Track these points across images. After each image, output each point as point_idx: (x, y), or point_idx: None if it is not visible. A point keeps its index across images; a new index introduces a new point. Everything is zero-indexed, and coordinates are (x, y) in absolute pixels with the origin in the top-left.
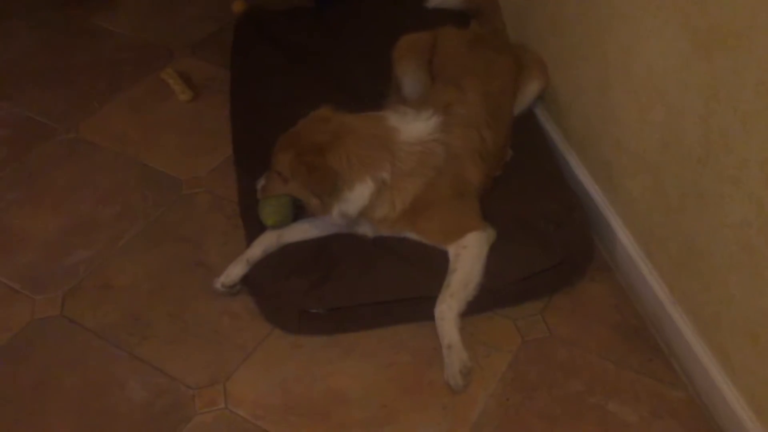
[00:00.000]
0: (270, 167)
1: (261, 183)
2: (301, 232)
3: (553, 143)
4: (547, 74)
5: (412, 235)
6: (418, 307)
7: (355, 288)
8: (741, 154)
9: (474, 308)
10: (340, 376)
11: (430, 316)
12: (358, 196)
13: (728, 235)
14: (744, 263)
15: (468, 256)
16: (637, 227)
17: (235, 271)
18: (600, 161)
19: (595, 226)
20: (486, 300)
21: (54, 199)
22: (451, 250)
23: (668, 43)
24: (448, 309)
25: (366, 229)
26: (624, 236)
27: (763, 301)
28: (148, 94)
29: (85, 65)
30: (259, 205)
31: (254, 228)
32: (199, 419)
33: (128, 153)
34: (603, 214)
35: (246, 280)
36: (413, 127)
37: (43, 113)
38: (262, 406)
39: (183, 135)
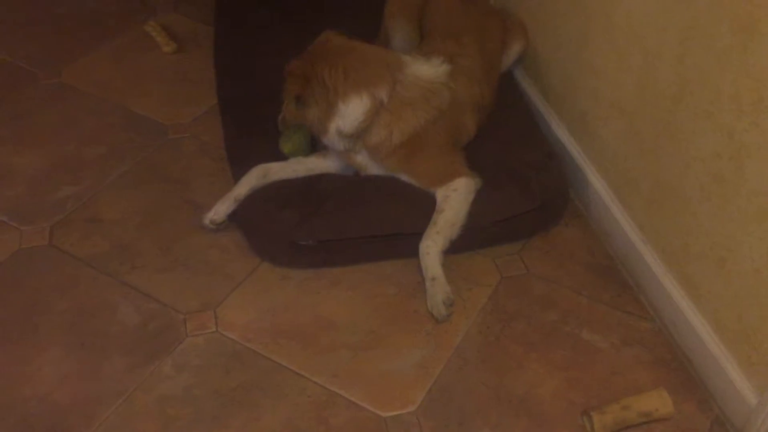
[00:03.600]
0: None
1: (280, 116)
2: (289, 170)
3: (531, 101)
4: (527, 36)
5: (403, 176)
6: (404, 243)
7: (344, 221)
8: (714, 89)
9: (456, 247)
10: (327, 305)
11: (414, 253)
12: (352, 111)
13: (699, 168)
14: (714, 193)
15: (456, 199)
16: (610, 173)
17: (223, 208)
18: (576, 113)
19: (569, 177)
20: (467, 239)
21: (39, 139)
22: (440, 192)
23: None
24: (433, 244)
25: (360, 161)
26: (597, 183)
27: (731, 226)
28: (132, 45)
29: (67, 17)
30: (282, 138)
31: (241, 170)
32: (191, 341)
33: (112, 99)
34: (577, 164)
35: (235, 214)
36: (424, 67)
37: (24, 60)
38: (253, 330)
39: (167, 84)
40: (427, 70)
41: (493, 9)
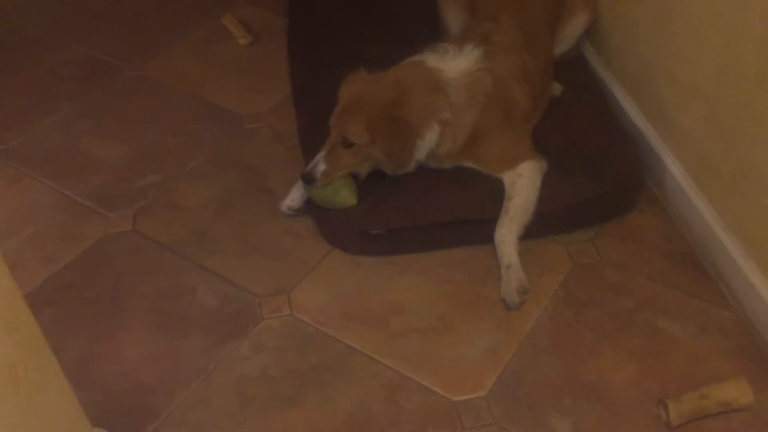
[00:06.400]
0: (329, 147)
1: (321, 168)
2: None
3: (603, 83)
4: (593, 8)
5: (470, 164)
6: (474, 229)
7: (414, 210)
8: None
9: (527, 234)
10: (398, 291)
11: (483, 239)
12: (427, 142)
13: None
14: None
15: (524, 184)
16: (689, 158)
17: (299, 194)
18: (652, 97)
19: (644, 162)
20: (538, 226)
21: (122, 129)
22: (507, 178)
23: None
24: (508, 232)
25: (429, 164)
26: (674, 168)
27: None
28: (209, 38)
29: (147, 12)
30: (324, 191)
31: (313, 157)
32: (266, 323)
33: (191, 90)
34: (653, 149)
35: (307, 204)
36: (456, 62)
37: (109, 54)
38: (325, 314)
39: (243, 76)
40: (461, 62)
41: None
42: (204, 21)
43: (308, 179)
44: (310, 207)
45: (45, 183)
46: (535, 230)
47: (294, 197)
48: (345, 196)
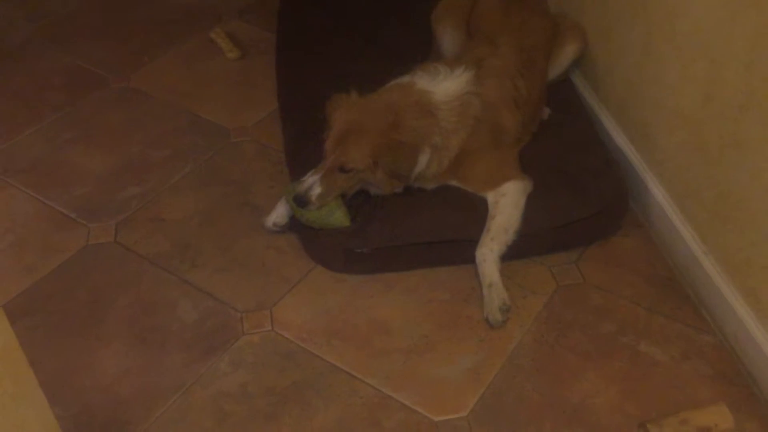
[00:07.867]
0: (323, 171)
1: (317, 191)
2: None
3: (590, 108)
4: (583, 37)
5: (455, 183)
6: (458, 249)
7: (399, 229)
8: None
9: (511, 254)
10: (381, 309)
11: (468, 259)
12: (420, 165)
13: (766, 178)
14: None
15: (506, 204)
16: (672, 183)
17: (285, 210)
18: (637, 122)
19: (629, 186)
20: (523, 246)
21: (107, 141)
22: (490, 197)
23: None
24: (489, 251)
25: (414, 185)
26: (658, 193)
27: None
28: (197, 52)
29: (136, 24)
30: (318, 213)
31: (298, 173)
32: (246, 339)
33: (178, 103)
34: (637, 173)
35: (293, 221)
36: (446, 85)
37: (96, 64)
38: (307, 331)
39: (230, 89)
40: (450, 85)
41: (541, 10)
42: (192, 34)
43: (303, 202)
44: (294, 224)
45: (26, 192)
46: (518, 250)
47: (279, 213)
48: (339, 218)
